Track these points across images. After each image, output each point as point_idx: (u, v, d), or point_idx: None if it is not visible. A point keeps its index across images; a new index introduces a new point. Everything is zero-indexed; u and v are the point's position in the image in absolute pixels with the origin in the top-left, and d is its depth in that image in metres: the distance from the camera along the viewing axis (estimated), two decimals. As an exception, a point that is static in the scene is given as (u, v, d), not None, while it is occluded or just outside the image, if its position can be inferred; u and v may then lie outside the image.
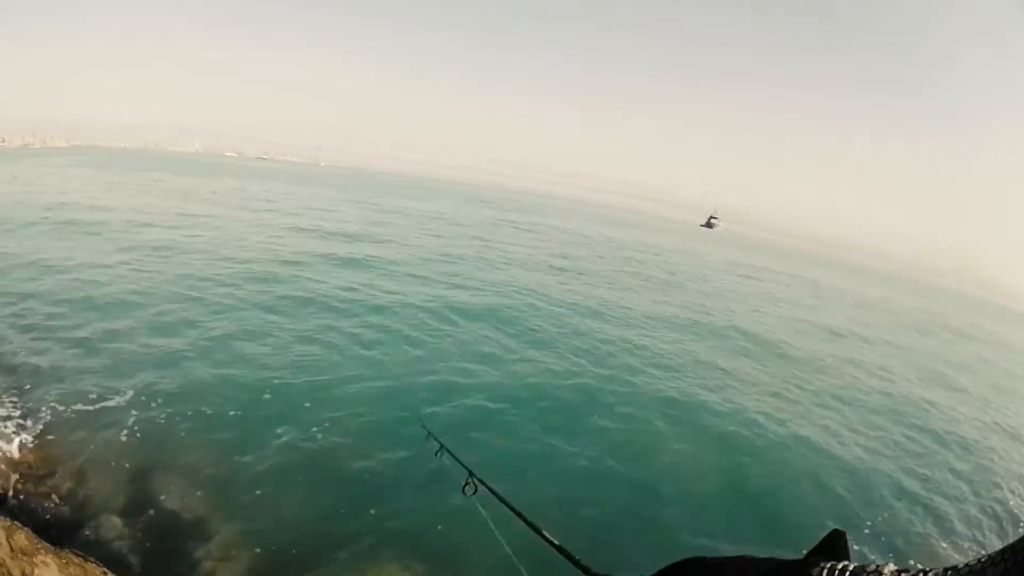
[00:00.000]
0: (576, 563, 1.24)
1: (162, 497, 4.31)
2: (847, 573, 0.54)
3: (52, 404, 5.37)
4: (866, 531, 5.66)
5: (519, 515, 1.67)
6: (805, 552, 0.62)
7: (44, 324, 7.42)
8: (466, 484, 2.12)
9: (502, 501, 1.86)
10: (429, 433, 3.00)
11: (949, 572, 0.49)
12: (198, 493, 4.43)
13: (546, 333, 10.34)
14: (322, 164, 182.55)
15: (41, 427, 5.01)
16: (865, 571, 0.53)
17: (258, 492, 4.58)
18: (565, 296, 14.05)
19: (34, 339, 6.92)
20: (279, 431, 5.48)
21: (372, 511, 4.55)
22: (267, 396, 6.17)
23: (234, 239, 15.53)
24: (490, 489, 2.03)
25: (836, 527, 0.64)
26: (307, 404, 6.12)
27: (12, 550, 2.34)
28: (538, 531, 1.52)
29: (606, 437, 6.54)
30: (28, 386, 5.73)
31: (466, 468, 2.18)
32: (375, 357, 7.84)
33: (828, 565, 0.56)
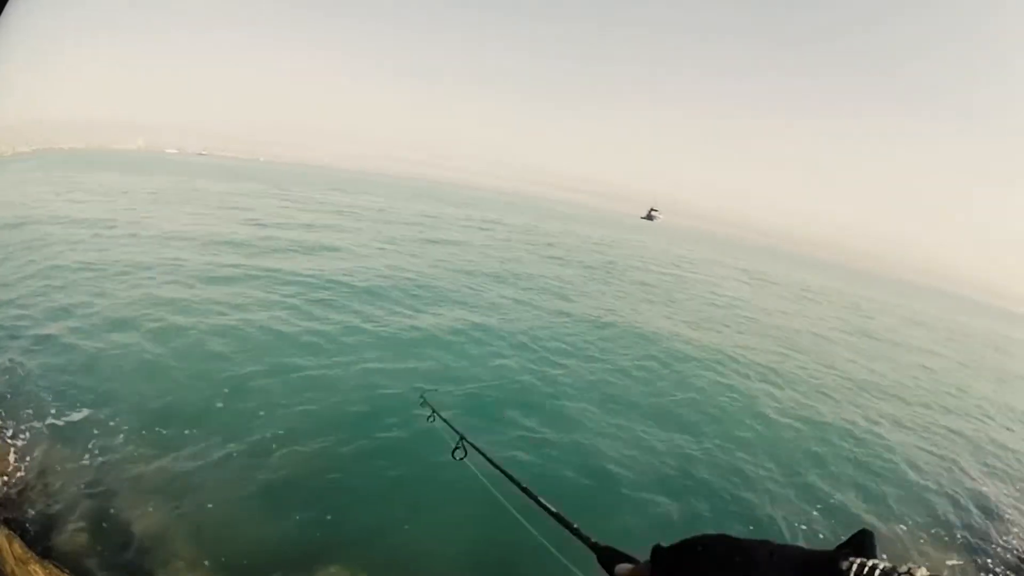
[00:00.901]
0: (575, 532, 1.16)
1: (125, 511, 4.36)
2: (877, 571, 0.53)
3: (19, 420, 5.33)
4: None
5: (513, 481, 1.57)
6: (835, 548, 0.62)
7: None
8: (456, 448, 2.10)
9: (496, 466, 1.77)
10: (424, 401, 3.10)
11: None
12: (160, 506, 4.49)
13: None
14: (261, 159, 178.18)
15: (12, 443, 4.97)
16: (897, 571, 0.52)
17: (211, 505, 4.66)
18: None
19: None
20: (237, 439, 5.56)
21: (329, 516, 4.73)
22: (219, 404, 6.21)
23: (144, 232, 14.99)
24: (482, 453, 1.96)
25: (864, 527, 0.64)
26: (260, 412, 6.18)
27: (14, 557, 2.45)
28: (534, 497, 1.41)
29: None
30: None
31: (457, 432, 2.16)
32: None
33: (859, 561, 0.54)
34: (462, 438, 2.10)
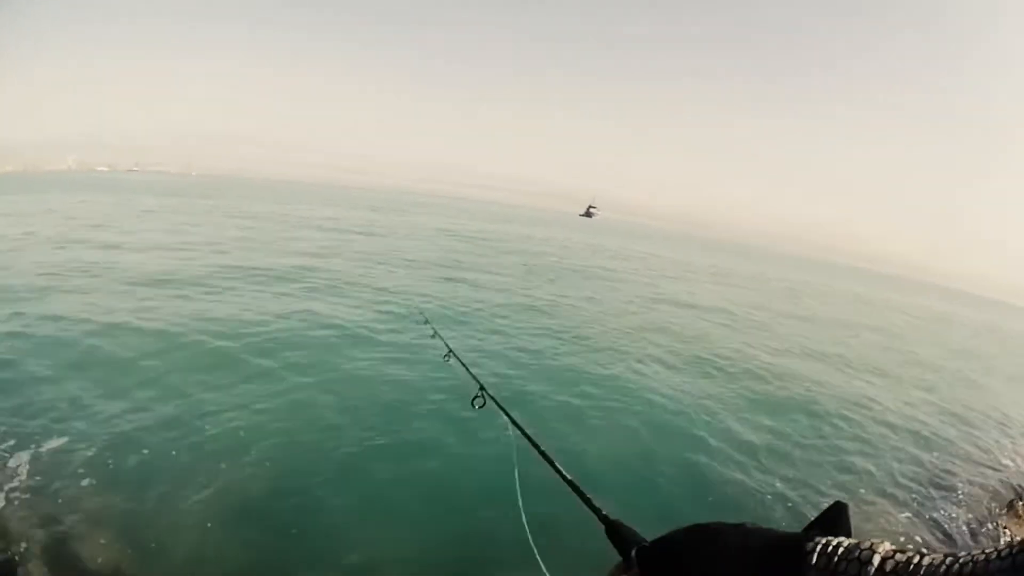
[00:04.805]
0: (588, 502, 1.12)
1: (87, 551, 4.14)
2: (840, 549, 0.53)
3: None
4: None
5: (531, 441, 1.51)
6: (805, 526, 0.61)
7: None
8: (475, 397, 2.09)
9: (512, 422, 1.72)
10: (435, 333, 3.56)
11: (948, 559, 0.49)
12: (129, 542, 4.23)
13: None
14: (193, 173, 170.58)
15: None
16: (860, 548, 0.52)
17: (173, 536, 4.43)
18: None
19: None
20: (198, 473, 5.18)
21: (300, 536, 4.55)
22: (173, 434, 5.73)
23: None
24: (500, 407, 1.90)
25: (838, 500, 0.63)
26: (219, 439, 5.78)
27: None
28: (550, 461, 1.34)
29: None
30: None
31: (477, 382, 2.13)
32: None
33: (824, 541, 0.55)
34: (482, 387, 2.11)
